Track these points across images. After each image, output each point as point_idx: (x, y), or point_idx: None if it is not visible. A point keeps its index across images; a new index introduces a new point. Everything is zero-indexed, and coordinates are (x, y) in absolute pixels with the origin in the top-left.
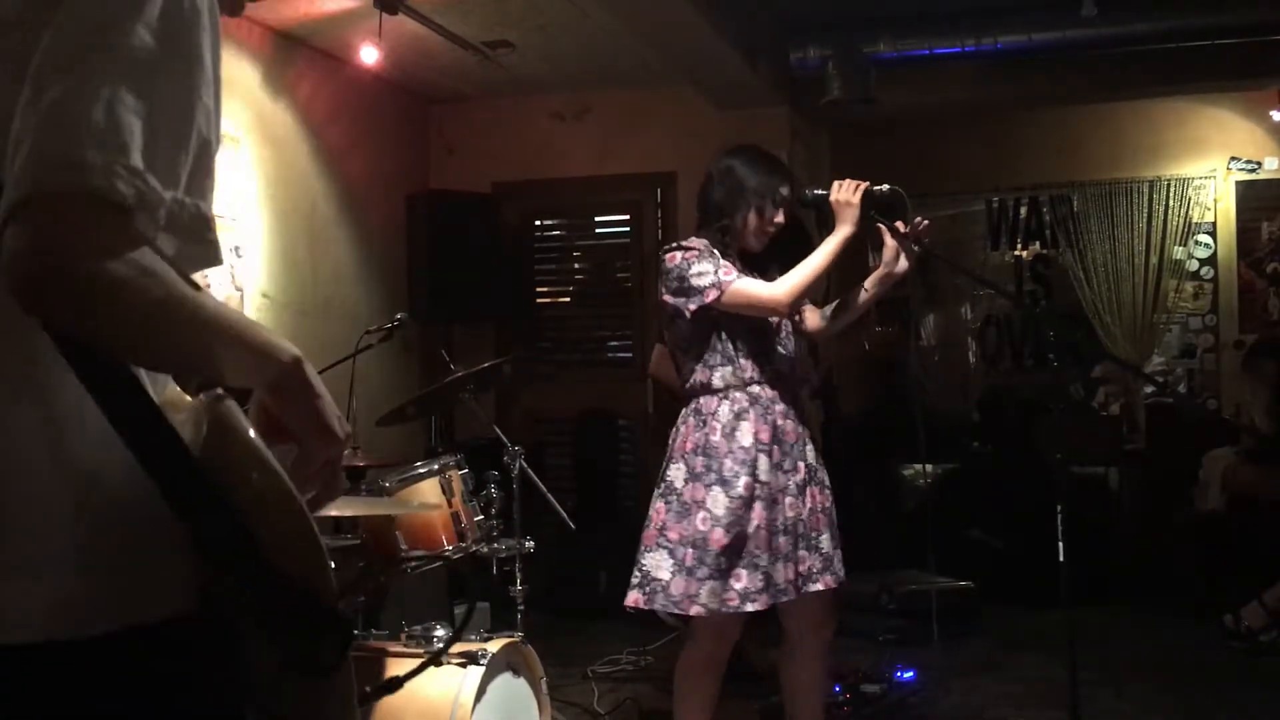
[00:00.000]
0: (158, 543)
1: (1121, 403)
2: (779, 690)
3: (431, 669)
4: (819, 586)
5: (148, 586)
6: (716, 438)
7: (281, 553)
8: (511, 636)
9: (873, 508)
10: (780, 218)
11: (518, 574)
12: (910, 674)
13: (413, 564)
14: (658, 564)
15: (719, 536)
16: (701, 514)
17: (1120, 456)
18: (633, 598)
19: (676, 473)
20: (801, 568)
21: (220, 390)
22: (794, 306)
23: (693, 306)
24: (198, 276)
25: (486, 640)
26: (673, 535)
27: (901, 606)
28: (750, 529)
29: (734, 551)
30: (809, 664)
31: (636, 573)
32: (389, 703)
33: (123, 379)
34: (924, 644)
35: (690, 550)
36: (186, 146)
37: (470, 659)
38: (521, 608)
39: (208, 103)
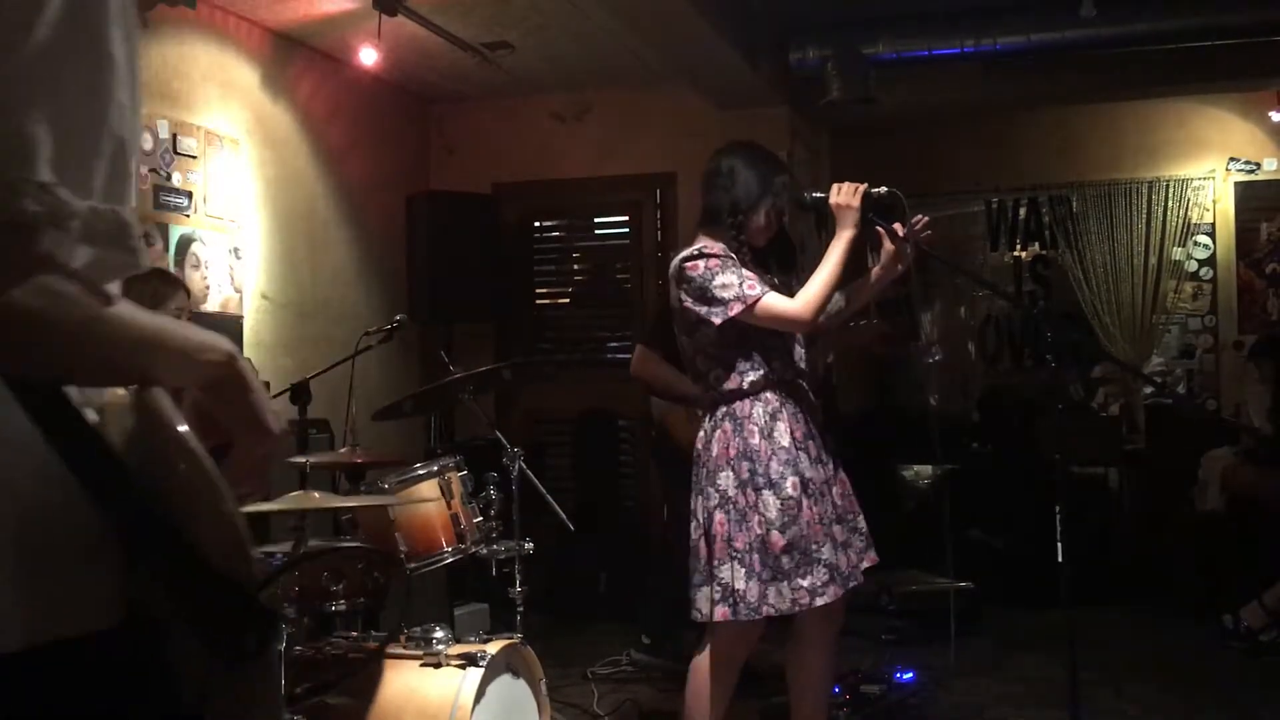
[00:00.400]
0: (79, 554)
1: (1121, 403)
2: (780, 690)
3: (432, 670)
4: (868, 564)
5: (71, 599)
6: (756, 440)
7: (207, 542)
8: (511, 638)
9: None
10: (784, 211)
11: (517, 575)
12: (910, 674)
13: (412, 565)
14: (734, 575)
15: (777, 539)
16: (756, 518)
17: (1120, 457)
18: (720, 612)
19: (727, 480)
20: (853, 551)
21: None
22: (816, 320)
23: (717, 319)
24: (198, 279)
25: (486, 642)
26: (738, 544)
27: (902, 607)
28: (805, 526)
29: (795, 550)
30: (818, 656)
31: (716, 587)
32: (388, 703)
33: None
34: (924, 644)
35: (756, 556)
36: (100, 150)
37: (470, 660)
38: (521, 609)
39: (122, 99)
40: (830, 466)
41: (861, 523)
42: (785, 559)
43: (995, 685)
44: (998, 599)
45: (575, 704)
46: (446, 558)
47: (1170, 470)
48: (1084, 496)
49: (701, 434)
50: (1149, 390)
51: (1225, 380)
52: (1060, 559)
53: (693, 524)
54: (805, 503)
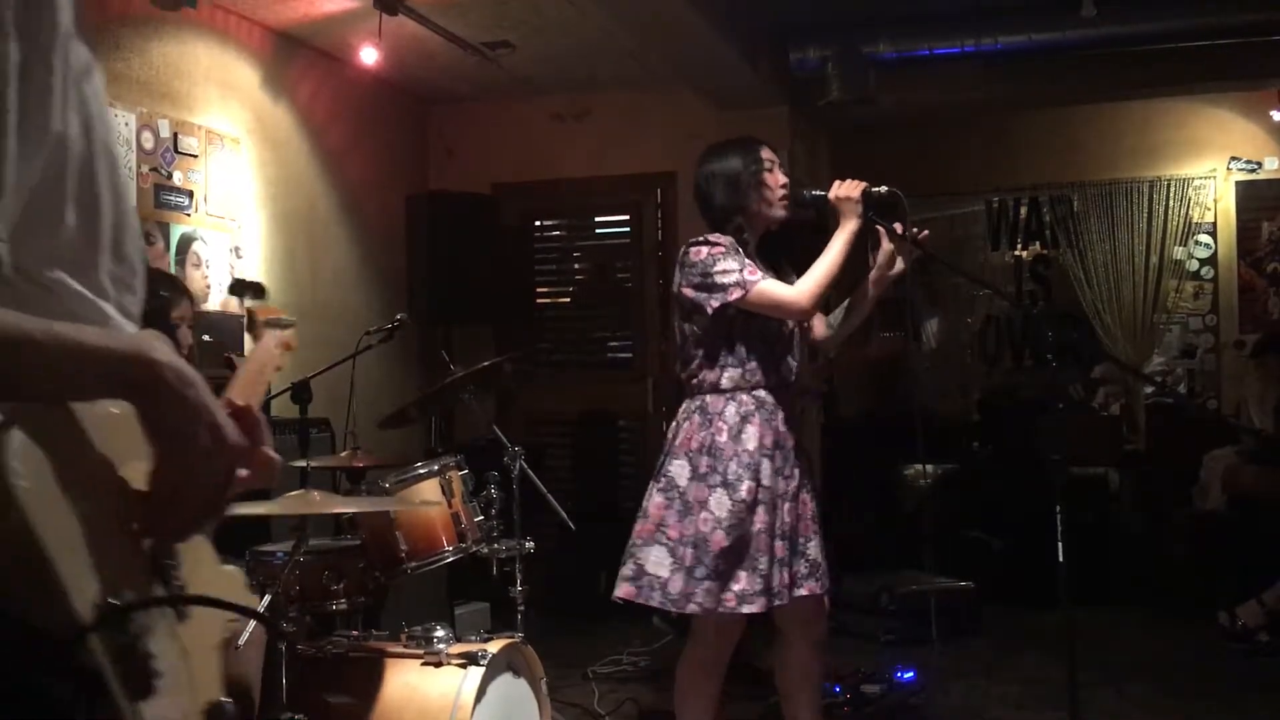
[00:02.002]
0: None
1: (1121, 403)
2: (778, 691)
3: (433, 669)
4: (803, 592)
5: None
6: (723, 439)
7: (3, 574)
8: (511, 637)
9: (873, 508)
10: (781, 176)
11: (518, 575)
12: (910, 674)
13: (413, 565)
14: (657, 561)
15: (720, 539)
16: (704, 514)
17: (1120, 457)
18: (625, 590)
19: (679, 469)
20: (791, 572)
21: None
22: (814, 308)
23: (715, 303)
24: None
25: (486, 641)
26: (673, 533)
27: (901, 607)
28: (751, 533)
29: (733, 554)
30: (802, 663)
31: (630, 565)
32: (389, 702)
33: None
34: (924, 644)
35: (690, 550)
36: None
37: (470, 659)
38: (521, 608)
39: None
40: (794, 483)
41: (811, 550)
42: (722, 561)
43: (995, 685)
44: (998, 599)
45: (576, 703)
46: (447, 557)
47: (1171, 470)
48: (1084, 497)
49: (673, 422)
50: (1150, 390)
51: (1226, 380)
52: (1060, 559)
53: (640, 508)
54: (759, 509)
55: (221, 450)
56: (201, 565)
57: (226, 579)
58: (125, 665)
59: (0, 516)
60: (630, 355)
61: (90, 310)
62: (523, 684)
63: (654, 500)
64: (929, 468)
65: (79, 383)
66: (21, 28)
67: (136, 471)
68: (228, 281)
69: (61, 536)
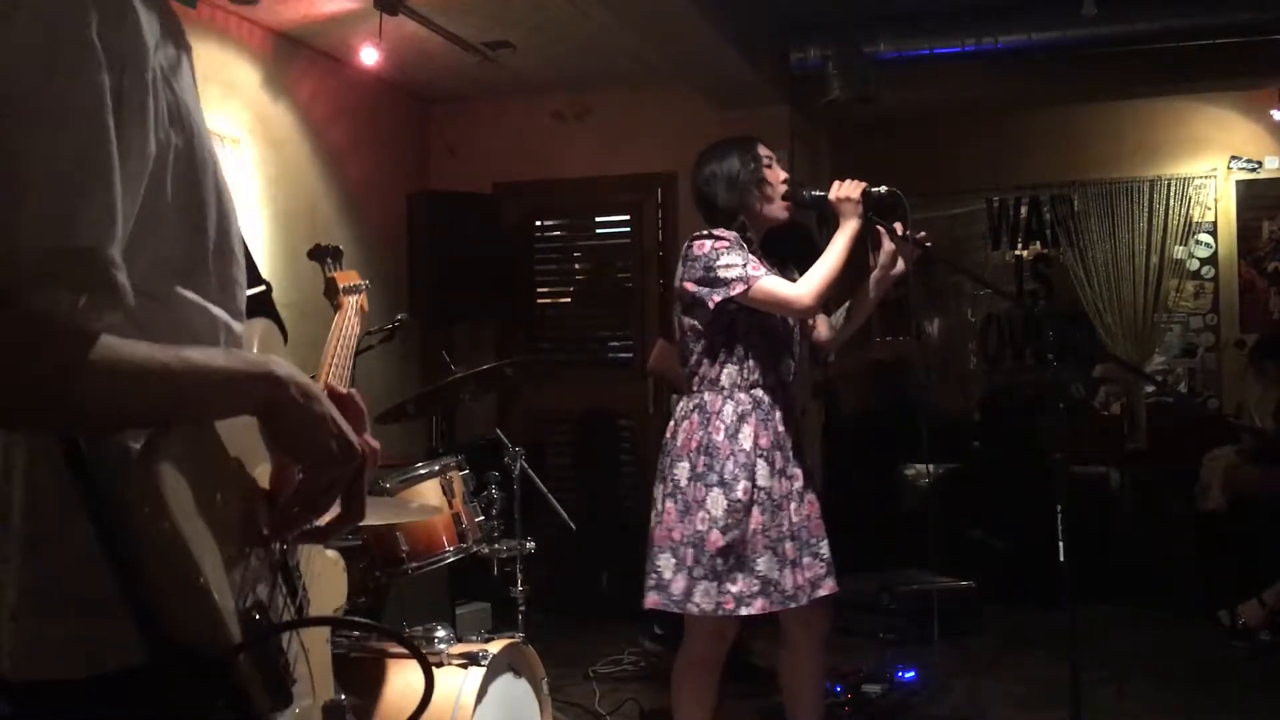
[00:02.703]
0: (107, 588)
1: (1122, 402)
2: (780, 690)
3: (434, 669)
4: (824, 592)
5: (104, 634)
6: (720, 438)
7: (167, 610)
8: (513, 637)
9: (874, 507)
10: (780, 172)
11: (519, 574)
12: (911, 674)
13: (414, 565)
14: (664, 563)
15: (715, 538)
16: (701, 514)
17: (1121, 456)
18: (651, 599)
19: (681, 471)
20: (809, 574)
21: None
22: (816, 306)
23: (717, 298)
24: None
25: (488, 641)
26: (676, 535)
27: (903, 606)
28: (748, 534)
29: (730, 554)
30: (806, 660)
31: (652, 574)
32: (390, 702)
33: None
34: (925, 643)
35: (690, 550)
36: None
37: (471, 659)
38: (523, 608)
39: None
40: (797, 483)
41: (824, 549)
42: (719, 560)
43: (996, 684)
44: (999, 598)
45: (577, 703)
46: (448, 557)
47: (1171, 470)
48: (1085, 496)
49: (672, 422)
50: (1150, 389)
51: (1227, 379)
52: (1061, 558)
53: (652, 511)
54: (754, 510)
55: (350, 457)
56: (313, 555)
57: (333, 567)
58: (269, 678)
59: (156, 532)
60: (631, 355)
61: (201, 318)
62: (524, 684)
63: (664, 505)
64: (930, 467)
65: (212, 407)
66: (112, 53)
67: (264, 473)
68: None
69: (207, 551)
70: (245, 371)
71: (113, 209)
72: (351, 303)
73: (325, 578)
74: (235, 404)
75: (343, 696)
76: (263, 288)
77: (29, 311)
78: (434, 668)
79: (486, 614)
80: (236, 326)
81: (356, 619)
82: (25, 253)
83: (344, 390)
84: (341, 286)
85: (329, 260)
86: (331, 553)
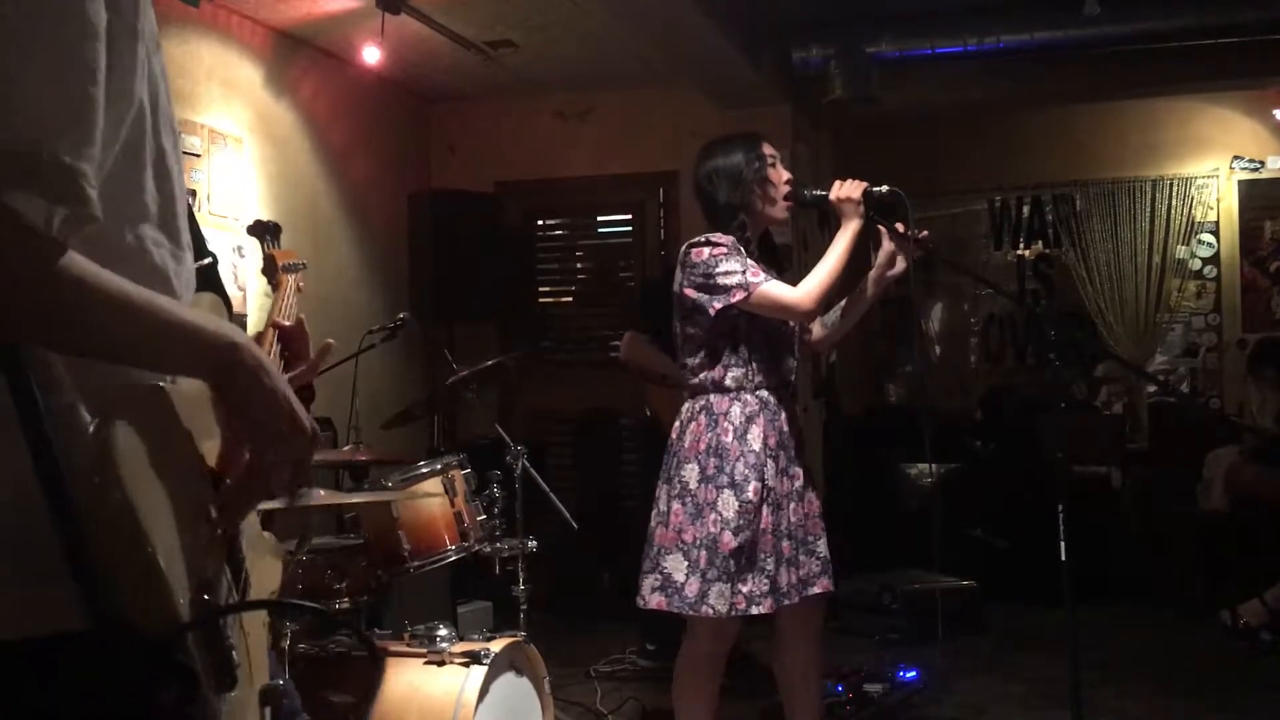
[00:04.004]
0: (49, 553)
1: (1124, 402)
2: (780, 689)
3: (435, 668)
4: (818, 590)
5: (43, 595)
6: (729, 439)
7: (114, 581)
8: (514, 636)
9: (875, 507)
10: (783, 173)
11: (520, 574)
12: (913, 673)
13: (416, 564)
14: (674, 566)
15: (728, 540)
16: (713, 516)
17: (1123, 456)
18: (657, 600)
19: (690, 473)
20: (802, 572)
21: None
22: (818, 309)
23: (718, 305)
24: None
25: (489, 640)
26: (687, 537)
27: (904, 606)
28: (758, 533)
29: (742, 555)
30: (801, 657)
31: (657, 575)
32: (392, 702)
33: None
34: (926, 643)
35: (703, 552)
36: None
37: (473, 658)
38: (524, 607)
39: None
40: (798, 482)
41: (821, 548)
42: (732, 561)
43: (997, 684)
44: (1000, 597)
45: (578, 702)
46: (450, 556)
47: (1173, 469)
48: (1087, 495)
49: (677, 423)
50: (1152, 389)
51: (1229, 379)
52: (1063, 558)
53: (654, 511)
54: (764, 510)
55: (297, 436)
56: (252, 536)
57: (269, 548)
58: (214, 660)
59: (110, 513)
60: None
61: (155, 277)
62: (525, 683)
63: (673, 507)
64: (932, 466)
65: (169, 356)
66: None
67: (210, 450)
68: (230, 281)
69: (159, 525)
70: (208, 330)
71: (93, 130)
72: (290, 281)
73: (263, 562)
74: (193, 361)
75: (279, 682)
76: (209, 260)
77: (3, 207)
78: (436, 666)
79: (488, 613)
80: (185, 295)
81: (302, 602)
82: (2, 146)
83: (290, 323)
84: (280, 264)
85: (268, 237)
86: (266, 533)
